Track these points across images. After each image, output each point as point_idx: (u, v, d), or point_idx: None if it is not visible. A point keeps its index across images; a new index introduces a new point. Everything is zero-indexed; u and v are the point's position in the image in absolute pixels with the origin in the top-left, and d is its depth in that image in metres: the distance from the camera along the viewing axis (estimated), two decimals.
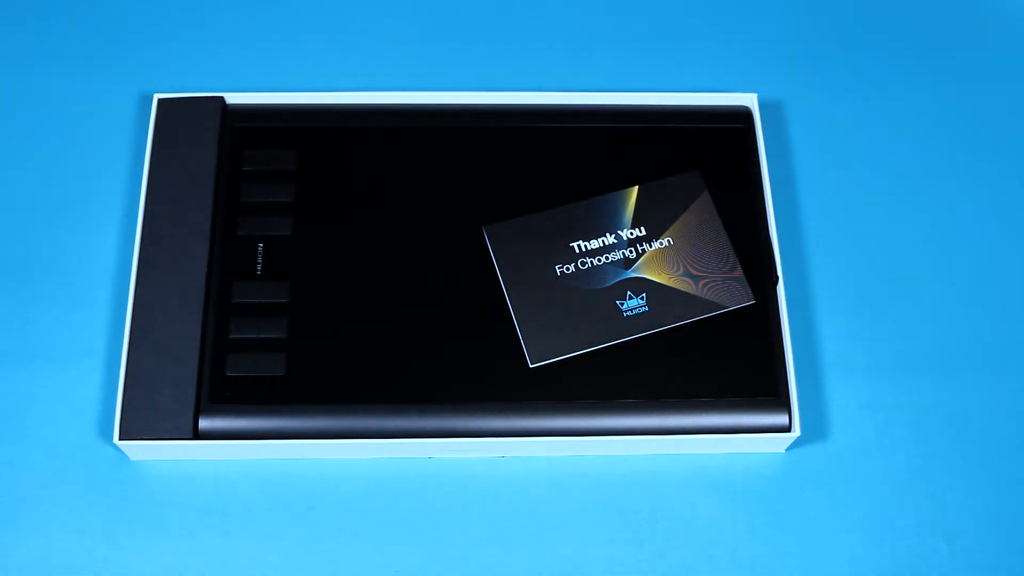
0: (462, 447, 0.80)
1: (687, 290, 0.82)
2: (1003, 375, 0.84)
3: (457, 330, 0.81)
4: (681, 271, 0.82)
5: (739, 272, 0.83)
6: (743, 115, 0.88)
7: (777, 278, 0.83)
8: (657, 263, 0.82)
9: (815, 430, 0.82)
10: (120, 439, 0.78)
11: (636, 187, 0.85)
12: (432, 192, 0.85)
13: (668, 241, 0.83)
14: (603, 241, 0.83)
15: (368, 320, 0.81)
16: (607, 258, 0.82)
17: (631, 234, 0.83)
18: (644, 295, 0.81)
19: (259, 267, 0.82)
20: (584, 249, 0.82)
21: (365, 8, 0.95)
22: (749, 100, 0.88)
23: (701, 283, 0.82)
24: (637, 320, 0.81)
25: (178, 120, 0.86)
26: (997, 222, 0.89)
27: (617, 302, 0.81)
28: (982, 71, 0.94)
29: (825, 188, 0.89)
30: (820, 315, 0.85)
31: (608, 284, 0.82)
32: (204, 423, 0.79)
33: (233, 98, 0.88)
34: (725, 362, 0.80)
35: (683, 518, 0.80)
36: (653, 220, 0.84)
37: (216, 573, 0.78)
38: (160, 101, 0.87)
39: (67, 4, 0.94)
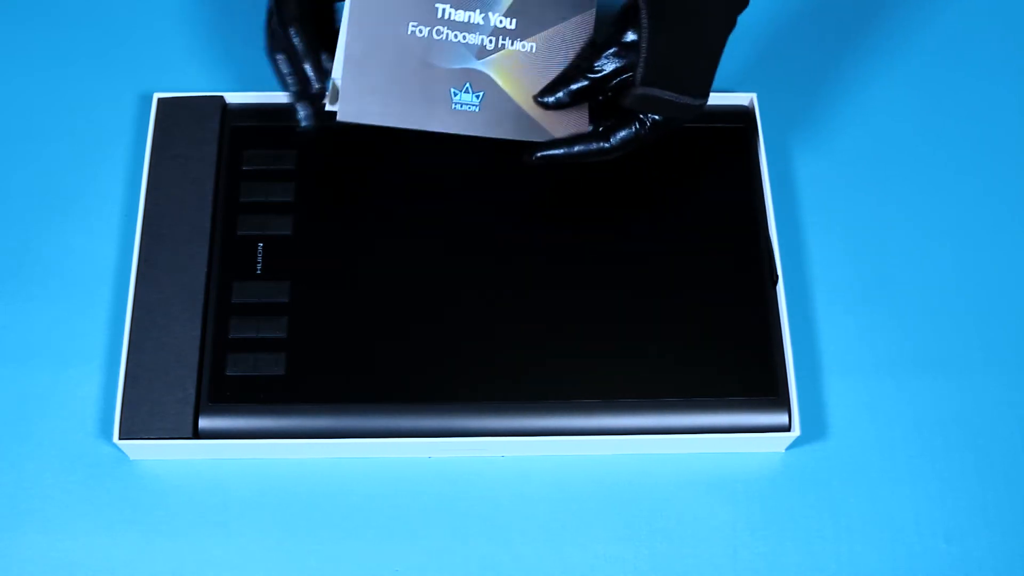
0: (462, 447, 0.80)
1: (523, 106, 0.78)
2: (1003, 375, 0.84)
3: (457, 330, 0.81)
4: (528, 82, 0.78)
5: (585, 106, 0.79)
6: (743, 115, 0.88)
7: (777, 278, 0.83)
8: (509, 65, 0.77)
9: (815, 430, 0.82)
10: (120, 439, 0.78)
11: None
12: (431, 191, 0.85)
13: (531, 47, 0.78)
14: (469, 16, 0.77)
15: (368, 320, 0.81)
16: (464, 37, 0.77)
17: (500, 22, 0.78)
18: (481, 94, 0.77)
19: (259, 267, 0.82)
20: (446, 15, 0.77)
21: None
22: (749, 100, 0.88)
23: (542, 103, 0.78)
24: (462, 117, 0.77)
25: (178, 120, 0.86)
26: (998, 221, 0.89)
27: (452, 90, 0.77)
28: (984, 66, 0.94)
29: (825, 188, 0.89)
30: (820, 315, 0.85)
31: (452, 67, 0.77)
32: (204, 423, 0.79)
33: (233, 98, 0.88)
34: (725, 362, 0.80)
35: (683, 518, 0.80)
36: (529, 17, 0.78)
37: (216, 573, 0.78)
38: (160, 101, 0.87)
39: (67, 4, 0.94)
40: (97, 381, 0.82)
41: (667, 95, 0.76)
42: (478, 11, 0.77)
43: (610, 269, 0.83)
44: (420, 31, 0.76)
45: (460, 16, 0.77)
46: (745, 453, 0.82)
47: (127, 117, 0.90)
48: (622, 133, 0.78)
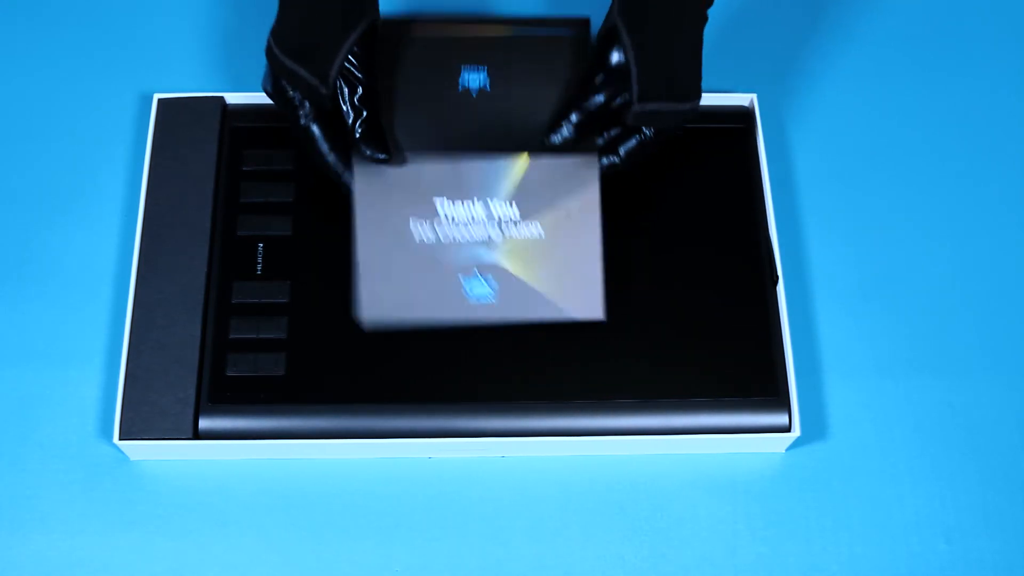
0: (462, 447, 0.80)
1: (540, 289, 0.79)
2: (1003, 374, 0.84)
3: (457, 330, 0.81)
4: (541, 267, 0.79)
5: (598, 281, 0.79)
6: (743, 115, 0.88)
7: (777, 278, 0.83)
8: (519, 252, 0.79)
9: (815, 430, 0.82)
10: (120, 439, 0.78)
11: (525, 155, 0.80)
12: None
13: (539, 231, 0.79)
14: (470, 208, 0.78)
15: None
16: (469, 232, 0.78)
17: (501, 209, 0.79)
18: (496, 285, 0.78)
19: (259, 267, 0.82)
20: (445, 209, 0.78)
21: None
22: (749, 100, 0.88)
23: (557, 285, 0.79)
24: (480, 309, 0.78)
25: (178, 120, 0.86)
26: (997, 222, 0.89)
27: (465, 287, 0.78)
28: (985, 66, 0.94)
29: (825, 188, 0.89)
30: (820, 315, 0.85)
31: (461, 262, 0.78)
32: (204, 423, 0.79)
33: (233, 98, 0.88)
34: (725, 362, 0.80)
35: (683, 518, 0.80)
36: (530, 201, 0.79)
37: (216, 573, 0.78)
38: (160, 101, 0.87)
39: (67, 4, 0.94)
40: (97, 381, 0.82)
41: (665, 107, 0.77)
42: (475, 199, 0.78)
43: (610, 269, 0.83)
44: (423, 230, 0.78)
45: (460, 211, 0.78)
46: (745, 453, 0.82)
47: (127, 117, 0.90)
48: (628, 145, 0.79)
